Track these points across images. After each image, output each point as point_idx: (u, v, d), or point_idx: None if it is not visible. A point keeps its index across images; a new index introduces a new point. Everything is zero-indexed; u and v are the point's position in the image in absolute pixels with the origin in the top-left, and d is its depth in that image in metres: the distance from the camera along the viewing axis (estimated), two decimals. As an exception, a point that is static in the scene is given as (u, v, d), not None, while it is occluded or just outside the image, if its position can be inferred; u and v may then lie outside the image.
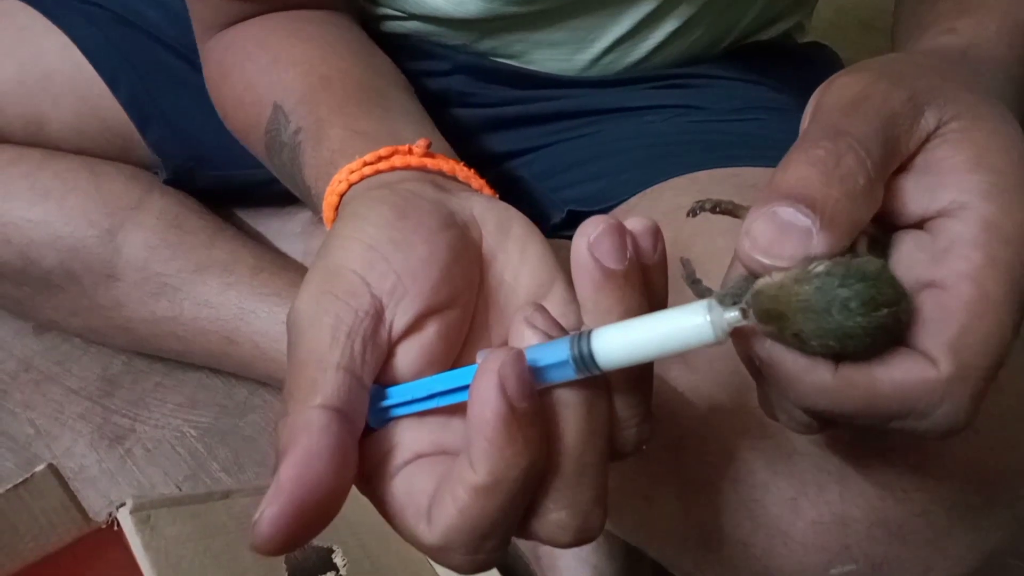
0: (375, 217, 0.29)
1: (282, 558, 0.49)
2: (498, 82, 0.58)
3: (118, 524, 0.45)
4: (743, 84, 0.57)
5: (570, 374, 0.24)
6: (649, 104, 0.57)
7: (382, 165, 0.33)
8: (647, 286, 0.25)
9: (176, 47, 0.62)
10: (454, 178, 0.34)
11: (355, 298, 0.27)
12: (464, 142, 0.59)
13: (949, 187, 0.25)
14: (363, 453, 0.26)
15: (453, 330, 0.28)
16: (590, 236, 0.24)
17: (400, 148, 0.34)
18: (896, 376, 0.24)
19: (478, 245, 0.30)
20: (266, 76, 0.45)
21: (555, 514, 0.25)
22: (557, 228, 0.56)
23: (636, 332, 0.23)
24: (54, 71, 0.63)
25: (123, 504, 0.44)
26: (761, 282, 0.24)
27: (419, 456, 0.26)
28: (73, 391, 0.72)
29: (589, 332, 0.24)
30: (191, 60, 0.53)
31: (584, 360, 0.23)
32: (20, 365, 0.73)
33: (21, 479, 0.44)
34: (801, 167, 0.24)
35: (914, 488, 0.34)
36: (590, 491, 0.25)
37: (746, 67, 0.58)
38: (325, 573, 0.51)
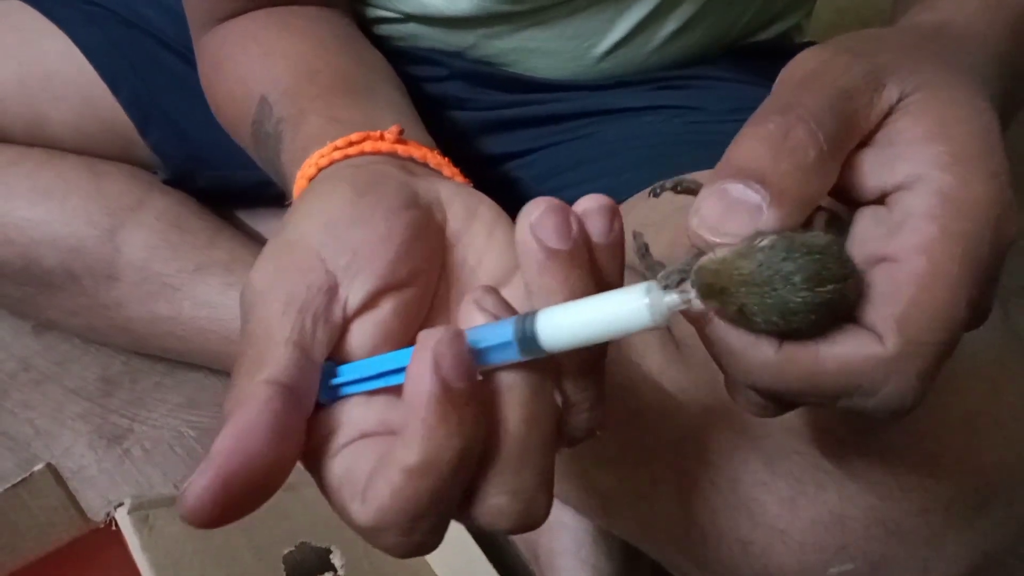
0: (335, 194, 0.29)
1: (280, 557, 0.49)
2: (496, 87, 0.58)
3: (116, 524, 0.45)
4: (741, 85, 0.58)
5: (515, 356, 0.23)
6: (648, 105, 0.57)
7: (352, 150, 0.33)
8: (597, 267, 0.24)
9: (177, 48, 0.62)
10: (425, 164, 0.34)
11: (309, 273, 0.26)
12: (463, 144, 0.60)
13: (907, 160, 0.24)
14: (310, 429, 0.26)
15: (410, 308, 0.28)
16: (532, 216, 0.23)
17: (372, 134, 0.34)
18: (840, 353, 0.23)
19: (442, 226, 0.30)
20: (256, 70, 0.45)
21: (496, 499, 0.24)
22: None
23: (579, 314, 0.23)
24: (55, 72, 0.63)
25: (121, 504, 0.44)
26: (704, 258, 0.23)
27: (364, 435, 0.26)
28: (72, 391, 0.72)
29: (534, 313, 0.23)
30: (192, 61, 0.53)
31: (527, 341, 0.23)
32: (19, 365, 0.73)
33: (20, 478, 0.44)
34: (751, 142, 0.24)
35: (912, 487, 0.34)
36: (534, 476, 0.24)
37: (745, 68, 0.58)
38: (324, 573, 0.51)
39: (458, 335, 0.23)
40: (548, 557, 0.55)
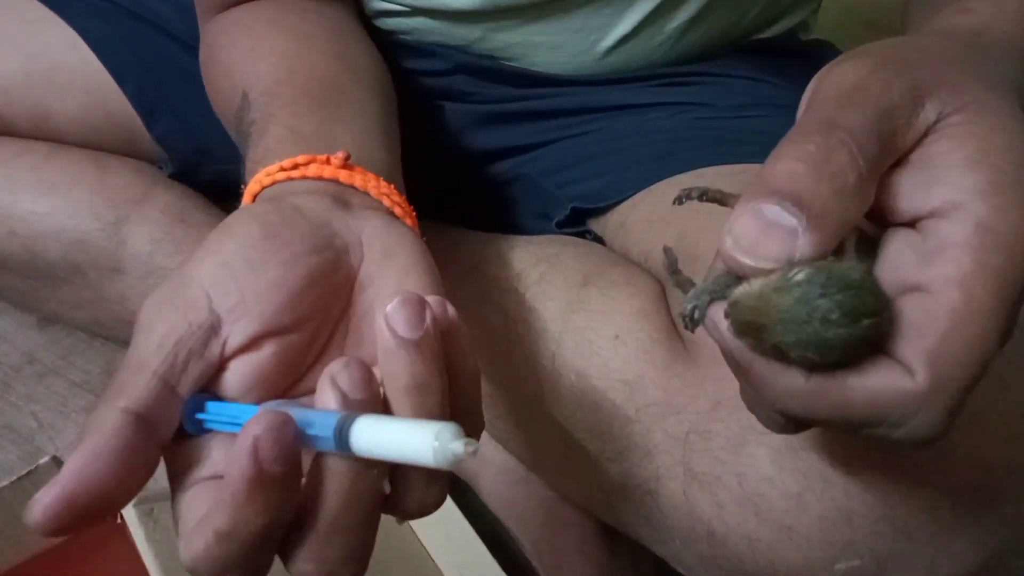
0: (241, 234, 0.29)
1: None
2: (500, 81, 0.58)
3: (121, 517, 0.45)
4: (748, 81, 0.57)
5: (332, 448, 0.24)
6: (654, 101, 0.57)
7: (295, 173, 0.34)
8: (447, 355, 0.26)
9: (183, 40, 0.62)
10: (366, 194, 0.35)
11: (192, 311, 0.27)
12: (466, 138, 0.60)
13: (944, 185, 0.24)
14: (175, 455, 0.28)
15: (292, 353, 0.29)
16: (387, 306, 0.25)
17: (319, 157, 0.34)
18: (870, 385, 0.23)
19: (352, 271, 0.31)
20: (242, 64, 0.46)
21: (303, 565, 0.26)
22: (561, 225, 0.56)
23: (386, 432, 0.24)
24: (61, 64, 0.63)
25: (127, 496, 0.44)
26: (739, 291, 0.23)
27: (215, 476, 0.27)
28: (77, 384, 0.72)
29: (356, 417, 0.24)
30: (198, 53, 0.53)
31: (343, 442, 0.24)
32: (24, 358, 0.73)
33: (25, 471, 0.44)
34: (790, 162, 0.23)
35: (919, 484, 0.34)
36: (342, 550, 0.26)
37: (751, 65, 0.58)
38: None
39: (283, 425, 0.24)
40: (552, 553, 0.55)
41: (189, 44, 0.61)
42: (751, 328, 0.23)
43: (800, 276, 0.22)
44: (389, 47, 0.51)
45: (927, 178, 0.24)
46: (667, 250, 0.29)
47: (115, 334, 0.70)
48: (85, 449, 0.25)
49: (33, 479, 0.46)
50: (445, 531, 0.57)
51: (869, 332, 0.22)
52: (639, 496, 0.41)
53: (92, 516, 0.25)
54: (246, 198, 0.35)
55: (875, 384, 0.23)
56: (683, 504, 0.39)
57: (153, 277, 0.63)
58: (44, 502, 0.24)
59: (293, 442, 0.24)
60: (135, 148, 0.65)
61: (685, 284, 0.28)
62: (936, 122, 0.25)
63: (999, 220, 0.23)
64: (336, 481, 0.25)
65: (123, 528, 0.45)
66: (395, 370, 0.25)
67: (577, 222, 0.56)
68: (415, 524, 0.58)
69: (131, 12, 0.63)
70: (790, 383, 0.24)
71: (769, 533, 0.36)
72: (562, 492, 0.55)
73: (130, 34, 0.63)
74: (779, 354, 0.23)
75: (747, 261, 0.23)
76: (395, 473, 0.26)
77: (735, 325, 0.23)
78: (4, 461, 0.66)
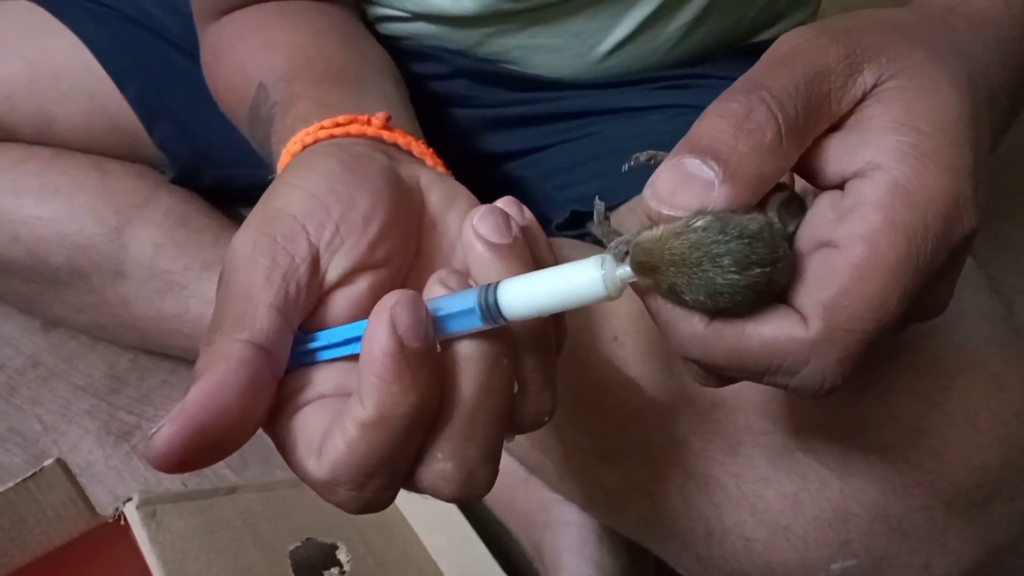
0: (321, 168, 0.29)
1: (286, 553, 0.49)
2: (500, 85, 0.58)
3: (125, 519, 0.45)
4: (747, 84, 0.57)
5: (476, 323, 0.24)
6: (652, 104, 0.57)
7: (337, 131, 0.34)
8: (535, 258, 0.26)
9: (183, 46, 0.62)
10: (409, 152, 0.35)
11: (293, 243, 0.27)
12: (468, 142, 0.60)
13: (869, 147, 0.24)
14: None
15: (383, 289, 0.29)
16: (473, 218, 0.25)
17: (359, 117, 0.34)
18: (765, 332, 0.24)
19: (421, 211, 0.31)
20: (255, 57, 0.46)
21: (441, 464, 0.25)
22: (561, 228, 0.56)
23: (539, 284, 0.24)
24: (63, 70, 0.63)
25: (129, 499, 0.45)
26: (642, 235, 0.24)
27: (322, 397, 0.27)
28: (80, 388, 0.72)
29: (497, 283, 0.24)
30: (198, 59, 0.54)
31: (490, 308, 0.24)
32: (28, 362, 0.74)
33: (30, 473, 0.44)
34: (714, 119, 0.24)
35: (915, 484, 0.34)
36: (480, 447, 0.25)
37: (749, 67, 0.58)
38: (329, 569, 0.51)
39: (416, 299, 0.23)
40: (552, 555, 0.55)
41: (188, 50, 0.62)
42: (645, 268, 0.24)
43: (699, 223, 0.23)
44: (390, 52, 0.51)
45: (855, 140, 0.25)
46: (597, 203, 0.30)
47: (118, 338, 0.70)
48: (211, 379, 0.24)
49: (38, 481, 0.46)
50: (447, 533, 0.57)
51: (759, 280, 0.23)
52: (638, 497, 0.42)
53: (213, 452, 0.24)
54: (284, 158, 0.34)
55: (768, 331, 0.24)
56: (681, 505, 0.39)
57: (155, 281, 0.63)
58: (169, 431, 0.23)
59: (428, 318, 0.23)
60: (137, 153, 0.66)
61: (610, 235, 0.28)
62: (874, 87, 0.25)
63: (915, 181, 0.23)
64: (473, 367, 0.24)
65: (126, 530, 0.45)
66: (488, 277, 0.25)
67: (576, 225, 0.56)
68: (417, 526, 0.58)
69: (130, 17, 0.63)
70: (690, 328, 0.24)
71: (766, 533, 0.36)
72: (562, 493, 0.55)
73: (130, 39, 0.63)
74: (676, 297, 0.24)
75: (663, 210, 0.24)
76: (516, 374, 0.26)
77: (632, 264, 0.24)
78: (9, 464, 0.67)
